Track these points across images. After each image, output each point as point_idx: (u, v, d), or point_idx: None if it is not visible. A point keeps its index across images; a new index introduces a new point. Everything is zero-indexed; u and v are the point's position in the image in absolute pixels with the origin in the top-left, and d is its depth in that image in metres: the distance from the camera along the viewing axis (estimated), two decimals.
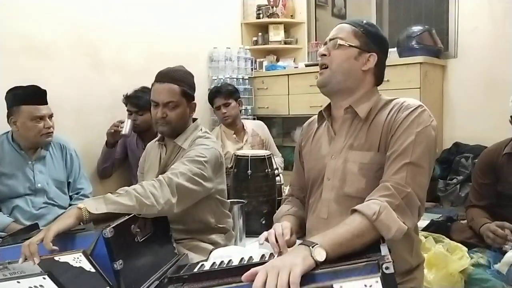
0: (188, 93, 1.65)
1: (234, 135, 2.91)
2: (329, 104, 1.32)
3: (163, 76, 1.64)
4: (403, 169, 1.06)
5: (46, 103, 2.02)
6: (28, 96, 1.96)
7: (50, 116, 2.03)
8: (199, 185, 1.47)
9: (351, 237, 0.94)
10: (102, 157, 2.67)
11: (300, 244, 0.93)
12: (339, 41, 1.22)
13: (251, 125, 3.03)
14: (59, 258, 1.08)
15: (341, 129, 1.24)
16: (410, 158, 1.07)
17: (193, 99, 1.70)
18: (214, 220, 1.72)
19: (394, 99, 1.22)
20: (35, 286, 1.12)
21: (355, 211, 1.01)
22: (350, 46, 1.21)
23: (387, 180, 1.07)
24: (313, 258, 0.86)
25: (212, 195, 1.65)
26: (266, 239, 1.13)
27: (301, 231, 1.32)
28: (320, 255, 0.87)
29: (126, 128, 2.48)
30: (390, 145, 1.13)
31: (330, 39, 1.25)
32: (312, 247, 0.88)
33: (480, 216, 1.86)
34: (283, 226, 1.16)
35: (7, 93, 1.98)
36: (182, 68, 1.73)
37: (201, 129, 1.73)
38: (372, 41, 1.23)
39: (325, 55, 1.24)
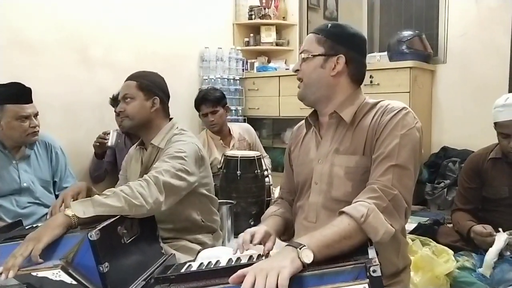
0: (145, 87, 1.67)
1: (221, 141, 2.86)
2: (314, 110, 1.32)
3: (127, 77, 1.72)
4: (389, 172, 1.07)
5: (31, 102, 1.96)
6: (12, 95, 1.89)
7: (36, 115, 1.97)
8: (184, 180, 1.47)
9: (338, 239, 0.94)
10: (93, 166, 2.66)
11: (287, 245, 0.93)
12: (303, 55, 1.24)
13: (238, 129, 2.98)
14: (37, 274, 1.05)
15: (326, 134, 1.24)
16: (396, 161, 1.07)
17: (155, 95, 1.69)
18: (201, 217, 1.72)
19: (379, 101, 1.22)
20: None
21: (342, 212, 1.01)
22: (314, 56, 1.22)
23: (374, 182, 1.07)
24: (300, 259, 0.86)
25: (195, 190, 1.64)
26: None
27: (286, 232, 1.33)
28: (308, 257, 0.87)
29: (111, 140, 2.49)
30: (375, 148, 1.13)
31: (300, 53, 1.27)
32: (300, 248, 0.88)
33: (465, 219, 1.88)
34: (256, 230, 1.17)
35: None
36: (152, 72, 1.78)
37: (177, 127, 1.73)
38: (338, 42, 1.21)
39: (298, 70, 1.26)
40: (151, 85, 1.70)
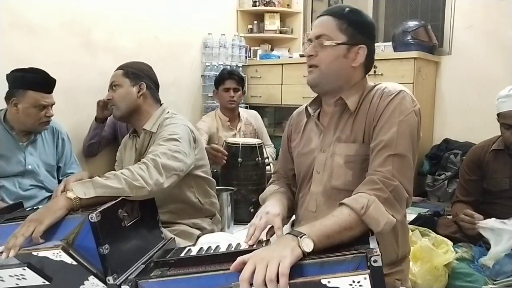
0: (130, 74, 1.72)
1: (228, 123, 2.91)
2: (316, 97, 1.29)
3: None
4: (388, 162, 1.05)
5: (52, 92, 1.99)
6: (37, 82, 1.92)
7: (52, 105, 2.00)
8: (181, 161, 1.48)
9: (339, 229, 0.93)
10: (89, 132, 2.62)
11: (287, 234, 0.93)
12: (326, 42, 1.15)
13: (245, 114, 3.05)
14: (38, 253, 1.06)
15: (330, 123, 1.22)
16: (395, 150, 1.06)
17: (141, 81, 1.74)
18: (199, 199, 1.75)
19: (376, 85, 1.19)
20: (15, 275, 1.10)
21: (342, 204, 1.01)
22: (337, 44, 1.15)
23: (373, 173, 1.06)
24: (300, 248, 0.86)
25: (191, 172, 1.66)
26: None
27: (288, 212, 1.32)
28: (308, 246, 0.86)
29: None
30: (373, 136, 1.11)
31: (316, 37, 1.18)
32: (300, 237, 0.88)
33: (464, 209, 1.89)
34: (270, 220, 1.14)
35: (12, 72, 1.92)
36: (139, 61, 1.83)
37: (168, 112, 1.76)
38: (359, 31, 1.16)
39: (312, 55, 1.18)
40: (136, 72, 1.74)
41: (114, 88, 1.72)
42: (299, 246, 0.86)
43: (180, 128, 1.61)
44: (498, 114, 1.82)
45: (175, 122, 1.65)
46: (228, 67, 3.41)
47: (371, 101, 1.15)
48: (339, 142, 1.18)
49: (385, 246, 1.14)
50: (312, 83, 1.21)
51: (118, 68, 1.78)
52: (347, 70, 1.18)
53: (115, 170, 1.84)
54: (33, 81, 1.91)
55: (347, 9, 1.19)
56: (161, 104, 1.79)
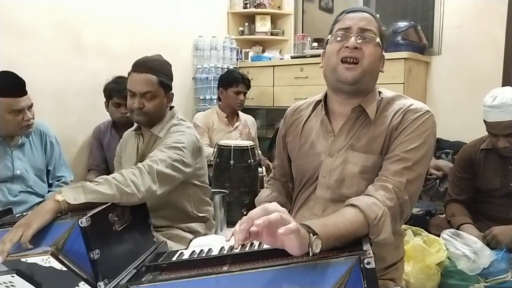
0: (165, 83, 1.64)
1: (226, 119, 3.00)
2: (326, 96, 1.25)
3: (140, 66, 1.62)
4: (404, 174, 1.05)
5: (26, 94, 1.89)
6: (5, 88, 1.82)
7: (30, 107, 1.91)
8: (179, 171, 1.46)
9: (347, 234, 0.91)
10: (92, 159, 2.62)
11: (302, 224, 0.87)
12: (377, 39, 1.13)
13: (244, 117, 3.14)
14: (26, 259, 1.04)
15: (342, 128, 1.18)
16: (411, 166, 1.05)
17: (171, 89, 1.68)
18: (194, 209, 1.72)
19: (396, 97, 1.19)
20: (4, 283, 1.08)
21: (355, 206, 0.98)
22: (379, 44, 1.15)
23: (387, 180, 1.04)
24: (309, 246, 0.82)
25: (189, 181, 1.64)
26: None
27: None
28: (317, 247, 0.83)
29: None
30: (391, 146, 1.10)
31: (362, 30, 1.12)
32: (313, 235, 0.84)
33: (462, 213, 1.89)
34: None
35: None
36: (160, 57, 1.70)
37: (177, 117, 1.72)
38: (383, 36, 1.17)
39: (357, 48, 1.11)
40: (169, 80, 1.66)
41: (148, 97, 1.59)
42: (309, 244, 0.83)
43: (187, 137, 1.58)
44: (484, 120, 1.84)
45: (182, 130, 1.61)
46: (220, 69, 3.42)
47: (394, 115, 1.13)
48: (353, 150, 1.15)
49: (386, 252, 1.14)
50: (354, 81, 1.12)
51: (151, 72, 1.59)
52: (377, 73, 1.18)
53: (113, 165, 1.82)
54: (1, 88, 1.81)
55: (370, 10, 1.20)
56: (172, 107, 1.74)
